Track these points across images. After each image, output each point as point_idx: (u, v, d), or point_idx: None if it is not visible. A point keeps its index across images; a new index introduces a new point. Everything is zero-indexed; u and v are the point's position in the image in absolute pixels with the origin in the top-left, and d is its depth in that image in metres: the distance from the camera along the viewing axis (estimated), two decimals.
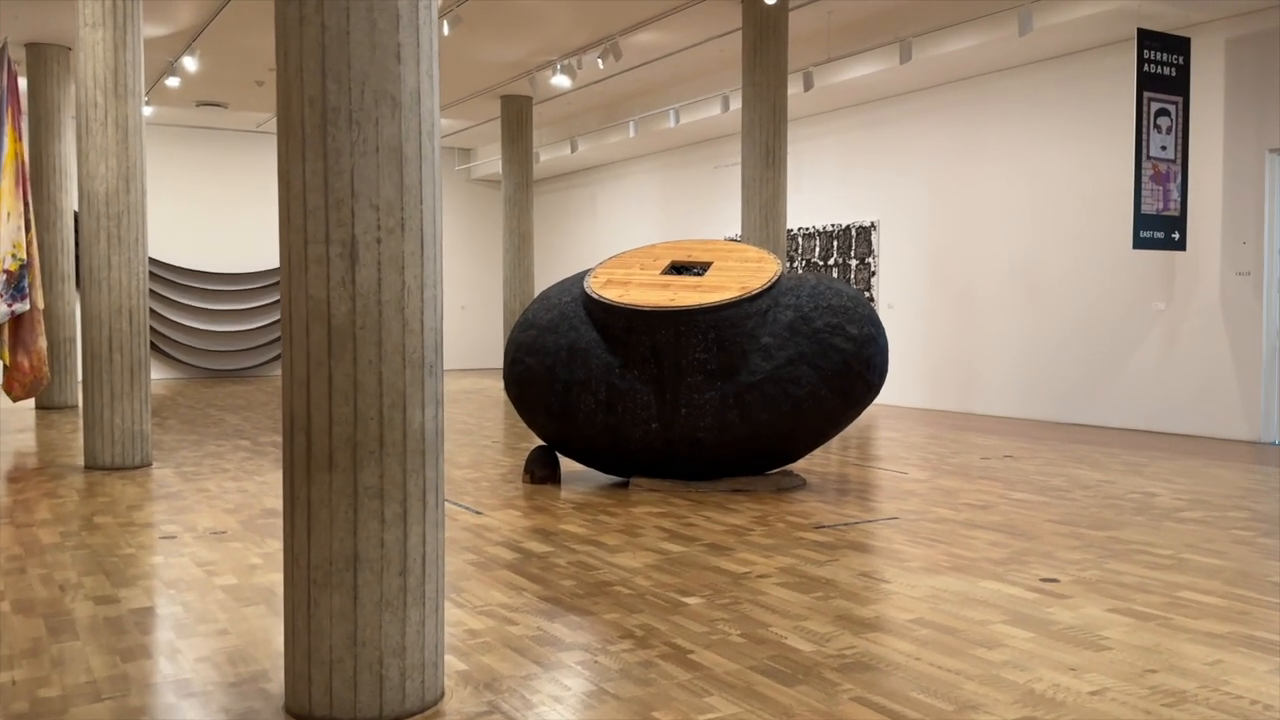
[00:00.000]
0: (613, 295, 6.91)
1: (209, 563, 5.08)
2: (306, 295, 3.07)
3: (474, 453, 9.02)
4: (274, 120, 17.80)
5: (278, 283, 18.96)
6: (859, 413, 7.02)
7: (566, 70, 13.07)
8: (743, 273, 7.06)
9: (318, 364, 3.07)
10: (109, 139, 7.92)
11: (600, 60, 12.37)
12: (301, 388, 3.10)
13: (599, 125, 16.45)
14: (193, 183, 18.52)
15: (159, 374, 18.25)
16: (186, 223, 18.46)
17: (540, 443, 8.10)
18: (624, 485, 7.31)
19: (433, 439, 3.21)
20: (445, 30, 11.27)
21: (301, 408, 3.11)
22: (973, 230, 12.19)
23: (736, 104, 13.31)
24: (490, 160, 19.79)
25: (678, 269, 7.41)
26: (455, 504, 6.65)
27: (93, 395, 7.98)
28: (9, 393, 9.76)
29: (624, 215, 18.30)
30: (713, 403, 6.73)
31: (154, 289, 18.15)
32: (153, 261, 18.09)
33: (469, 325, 21.05)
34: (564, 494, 7.05)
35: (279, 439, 9.99)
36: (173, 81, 13.65)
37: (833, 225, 13.87)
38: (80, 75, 7.91)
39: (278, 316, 19.05)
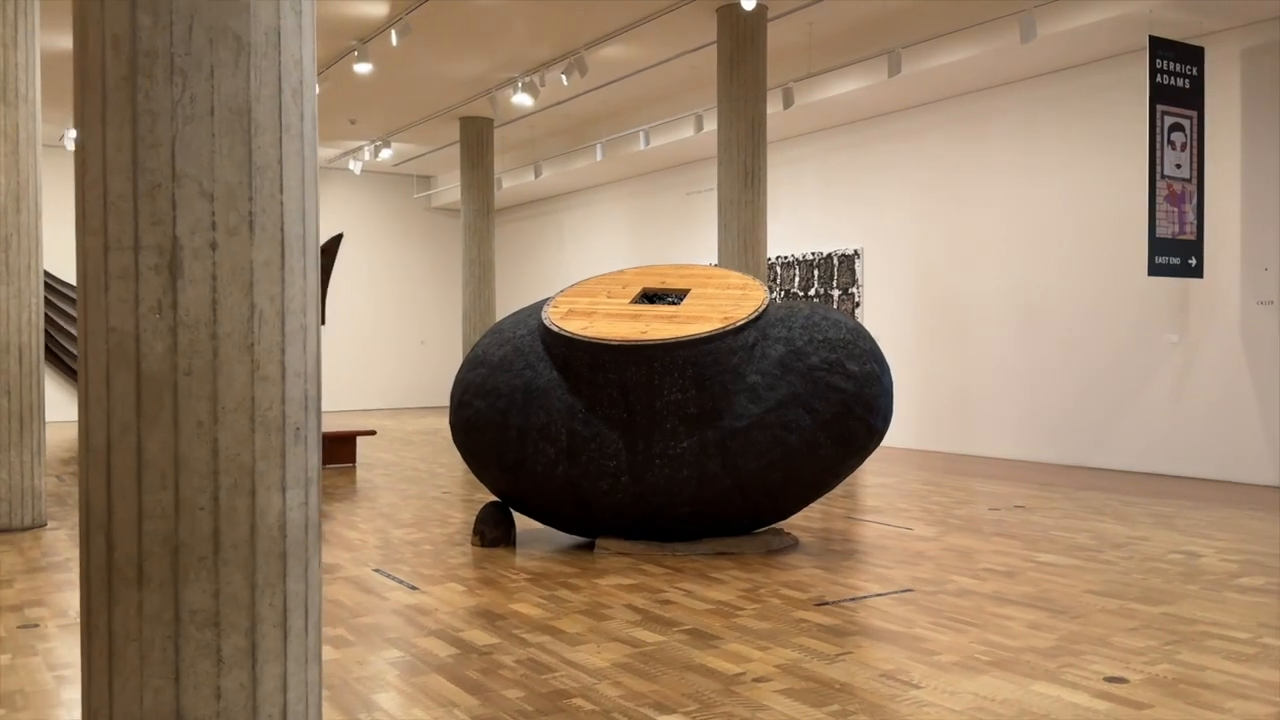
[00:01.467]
0: (575, 327, 5.95)
1: (64, 666, 4.03)
2: (106, 327, 2.08)
3: (420, 507, 7.98)
4: None
5: None
6: (860, 461, 6.07)
7: (528, 88, 12.19)
8: (724, 301, 6.13)
9: (123, 429, 2.08)
10: None
11: (564, 76, 11.50)
12: (100, 464, 2.11)
13: (564, 149, 15.57)
14: None
15: None
16: None
17: (493, 498, 7.12)
18: (589, 547, 6.31)
19: (299, 536, 2.22)
20: (394, 40, 10.35)
21: (100, 494, 2.11)
22: (966, 257, 11.36)
23: (711, 124, 12.47)
24: (450, 188, 18.85)
25: (650, 297, 6.47)
26: (388, 577, 5.62)
27: None
28: None
29: (593, 244, 17.39)
30: (691, 452, 5.77)
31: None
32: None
33: (428, 361, 19.99)
34: (519, 559, 6.03)
35: None
36: None
37: (813, 254, 13.01)
38: None
39: None
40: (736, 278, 6.46)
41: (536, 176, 15.86)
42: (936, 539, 6.57)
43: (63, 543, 6.56)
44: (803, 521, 7.17)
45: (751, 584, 5.33)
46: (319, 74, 12.13)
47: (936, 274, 11.70)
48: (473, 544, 6.46)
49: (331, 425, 11.39)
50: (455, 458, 11.34)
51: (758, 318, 5.92)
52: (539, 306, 6.54)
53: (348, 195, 19.25)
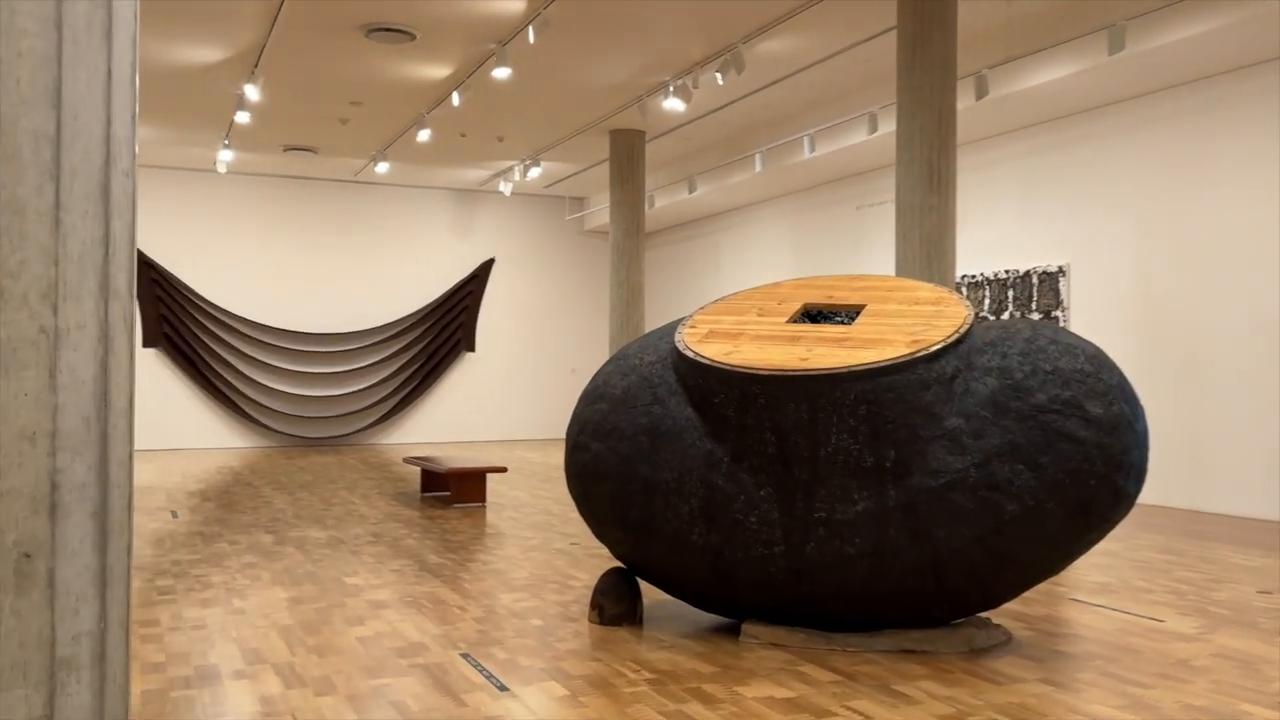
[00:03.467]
0: (716, 353, 4.64)
1: None
2: None
3: (540, 564, 6.80)
4: (372, 168, 16.47)
5: (378, 343, 17.41)
6: (1101, 536, 4.50)
7: (680, 91, 11.02)
8: (911, 320, 4.70)
9: None
10: None
11: (720, 75, 10.27)
12: None
13: (720, 161, 14.33)
14: (283, 236, 17.22)
15: (244, 441, 16.81)
16: (275, 278, 17.13)
17: (615, 562, 5.80)
18: (733, 632, 4.95)
19: None
20: (532, 38, 9.36)
21: None
22: (1201, 276, 9.44)
23: (887, 125, 10.98)
24: (603, 208, 17.90)
25: (813, 316, 5.10)
26: (476, 667, 4.42)
27: None
28: None
29: (749, 266, 16.05)
30: (867, 517, 4.36)
31: (238, 348, 16.81)
32: (238, 319, 16.78)
33: (578, 390, 19.04)
34: (643, 646, 4.73)
35: (312, 532, 8.01)
36: (242, 117, 12.21)
37: (1007, 272, 11.28)
38: None
39: (376, 379, 17.46)
40: (927, 290, 5.01)
41: (690, 192, 14.68)
42: (1200, 638, 4.90)
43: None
44: (1014, 605, 5.59)
45: (956, 708, 3.85)
46: (459, 84, 11.33)
47: (1162, 296, 9.79)
48: (590, 620, 5.21)
49: (464, 460, 10.42)
50: None
51: (958, 341, 4.46)
52: (673, 328, 5.27)
53: (498, 219, 18.60)
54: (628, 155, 13.79)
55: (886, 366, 4.28)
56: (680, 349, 4.77)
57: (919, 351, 4.33)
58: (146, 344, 16.37)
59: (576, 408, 5.27)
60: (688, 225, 18.03)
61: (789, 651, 4.61)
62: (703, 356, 4.62)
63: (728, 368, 4.48)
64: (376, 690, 4.07)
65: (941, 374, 4.35)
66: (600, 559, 6.93)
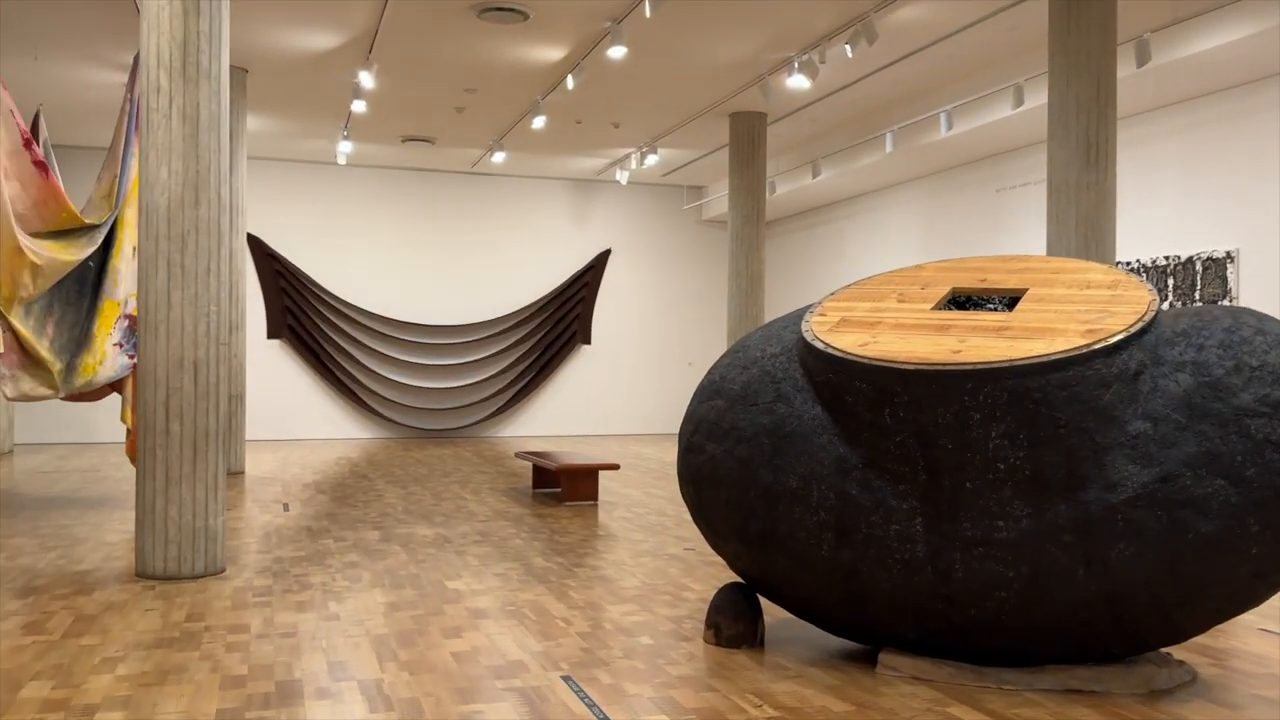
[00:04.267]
0: (850, 344, 4.07)
1: None
2: None
3: (652, 571, 6.32)
4: (489, 158, 16.33)
5: (494, 335, 17.27)
6: None
7: (805, 68, 10.37)
8: (1084, 306, 4.03)
9: None
10: (172, 135, 5.96)
11: (849, 47, 9.59)
12: None
13: (848, 142, 13.59)
14: (402, 228, 17.21)
15: (364, 433, 16.87)
16: (394, 271, 17.13)
17: (734, 577, 5.21)
18: (868, 661, 4.37)
19: None
20: (648, 11, 8.88)
21: None
22: None
23: (1034, 98, 10.11)
24: (722, 196, 17.32)
25: (963, 302, 4.47)
26: (578, 692, 3.96)
27: (144, 479, 5.96)
28: (131, 458, 8.13)
29: (877, 255, 15.25)
30: (1030, 536, 3.74)
31: (359, 339, 16.87)
32: (358, 310, 16.83)
33: (695, 385, 18.53)
34: (764, 674, 4.20)
35: (419, 529, 7.73)
36: (359, 106, 12.10)
37: (1167, 258, 10.27)
38: (143, 52, 6.03)
39: (492, 372, 17.32)
40: (1100, 271, 4.32)
41: (814, 177, 13.97)
42: None
43: (222, 601, 5.44)
44: (1198, 637, 4.84)
45: None
46: (574, 66, 10.94)
47: None
48: (705, 640, 4.70)
49: (576, 455, 10.03)
50: None
51: (1143, 330, 3.78)
52: (798, 316, 4.71)
53: (615, 209, 18.22)
54: (748, 139, 13.19)
55: (1058, 360, 3.64)
56: (808, 339, 4.22)
57: (1097, 343, 3.67)
58: (271, 335, 16.57)
59: (691, 405, 4.76)
60: (810, 213, 17.31)
61: (934, 688, 4.01)
62: (834, 348, 4.05)
63: (865, 361, 3.91)
64: (467, 719, 3.65)
65: (1124, 370, 3.68)
66: (717, 568, 6.41)
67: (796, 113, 13.01)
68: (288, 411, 16.54)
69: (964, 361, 3.75)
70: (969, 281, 4.53)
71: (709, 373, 4.78)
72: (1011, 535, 3.76)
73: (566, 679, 4.12)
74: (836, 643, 4.67)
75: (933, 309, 4.30)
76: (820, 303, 4.62)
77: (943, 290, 4.46)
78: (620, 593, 5.70)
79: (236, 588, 5.73)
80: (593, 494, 9.38)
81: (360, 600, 5.46)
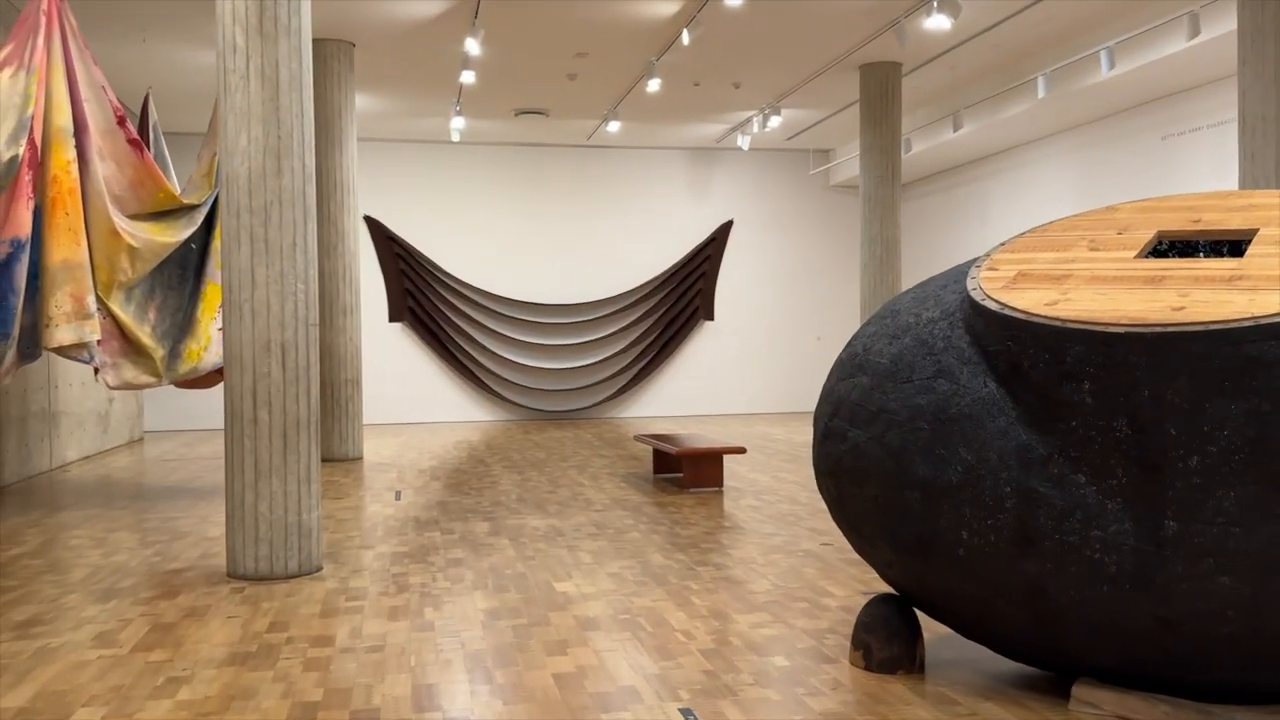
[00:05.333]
0: (1033, 303, 3.24)
1: None
2: None
3: (785, 571, 5.58)
4: (603, 129, 15.73)
5: (614, 313, 16.73)
6: None
7: (945, 6, 9.35)
8: None
9: None
10: (250, 98, 5.49)
11: None
12: None
13: (991, 91, 12.43)
14: (517, 205, 16.78)
15: (485, 415, 16.57)
16: (510, 249, 16.72)
17: (885, 588, 4.39)
18: (1056, 694, 3.55)
19: None
20: None
21: None
22: None
23: (1214, 26, 8.86)
24: (850, 158, 16.30)
25: (1164, 250, 3.57)
26: None
27: (232, 472, 5.54)
28: None
29: (1024, 216, 14.02)
30: (1276, 543, 2.86)
31: (479, 320, 16.55)
32: (477, 291, 16.50)
33: (825, 360, 17.57)
34: (927, 709, 3.44)
35: (531, 520, 7.18)
36: (468, 77, 11.63)
37: None
38: (219, 8, 5.57)
39: (612, 351, 16.78)
40: None
41: (955, 130, 12.86)
42: None
43: (310, 604, 4.96)
44: None
45: None
46: (689, 20, 10.18)
47: None
48: (852, 663, 3.96)
49: (698, 438, 9.35)
50: None
51: None
52: (960, 274, 3.88)
53: (736, 177, 17.38)
54: (880, 93, 12.18)
55: None
56: (977, 300, 3.41)
57: None
58: (392, 319, 16.40)
59: (828, 383, 4.00)
60: (948, 173, 16.12)
61: None
62: (1014, 308, 3.24)
63: (1056, 323, 3.08)
64: None
65: None
66: (861, 569, 5.63)
67: (934, 61, 11.93)
68: (410, 395, 16.36)
69: (1190, 321, 2.89)
70: (1178, 223, 3.63)
71: (850, 344, 4.01)
72: (1258, 545, 2.90)
73: (686, 713, 3.45)
74: (1013, 668, 3.86)
75: (1137, 256, 3.42)
76: (987, 255, 3.79)
77: (1145, 235, 3.58)
78: (749, 598, 4.99)
79: (329, 590, 5.26)
80: (717, 480, 8.68)
81: (459, 605, 4.91)
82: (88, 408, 12.00)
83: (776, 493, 8.40)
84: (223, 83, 5.54)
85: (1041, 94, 11.05)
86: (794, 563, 5.77)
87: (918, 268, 16.46)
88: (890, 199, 12.16)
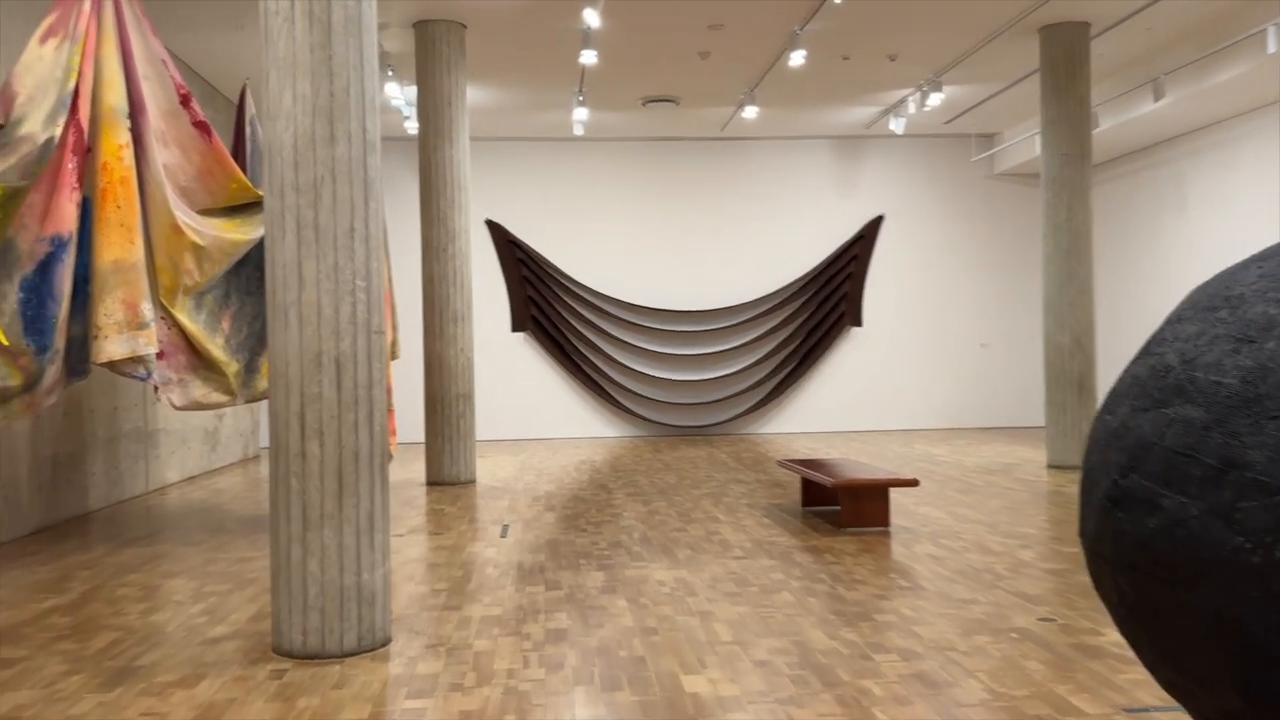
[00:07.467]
0: None
1: None
2: None
3: (1001, 662, 4.06)
4: (739, 116, 14.29)
5: (750, 320, 15.32)
6: None
7: None
8: None
9: None
10: (296, 45, 4.34)
11: None
12: None
13: (1203, 50, 10.49)
14: (645, 204, 15.52)
15: (612, 430, 15.35)
16: (638, 251, 15.48)
17: (1152, 698, 2.89)
18: None
19: None
20: None
21: None
22: None
23: None
24: (1021, 140, 14.45)
25: None
26: None
27: (278, 524, 4.39)
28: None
29: (1230, 203, 11.95)
30: None
31: (607, 330, 15.36)
32: (602, 297, 15.31)
33: (990, 368, 15.70)
34: None
35: (656, 570, 5.84)
36: (589, 57, 10.43)
37: None
38: None
39: (749, 361, 15.35)
40: None
41: (1156, 100, 10.94)
42: None
43: (362, 705, 3.73)
44: None
45: None
46: None
47: None
48: None
49: (857, 467, 7.87)
50: (1049, 523, 7.17)
51: None
52: None
53: (887, 167, 15.69)
54: (1065, 58, 10.42)
55: None
56: None
57: None
58: (515, 328, 15.39)
59: (1111, 414, 2.51)
60: (1139, 154, 14.09)
61: None
62: None
63: None
64: None
65: None
66: (1113, 665, 4.07)
67: (1128, 20, 10.11)
68: (534, 409, 15.30)
69: None
70: None
71: (1148, 352, 2.51)
72: None
73: None
74: None
75: None
76: None
77: None
78: (959, 714, 3.51)
79: (391, 677, 4.04)
80: (883, 518, 7.17)
81: (552, 709, 3.60)
82: (193, 424, 11.29)
83: (958, 535, 6.83)
84: (264, 27, 4.40)
85: (1272, 47, 9.10)
86: (1008, 650, 4.25)
87: (1108, 264, 14.46)
88: (1079, 181, 10.36)
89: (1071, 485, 9.17)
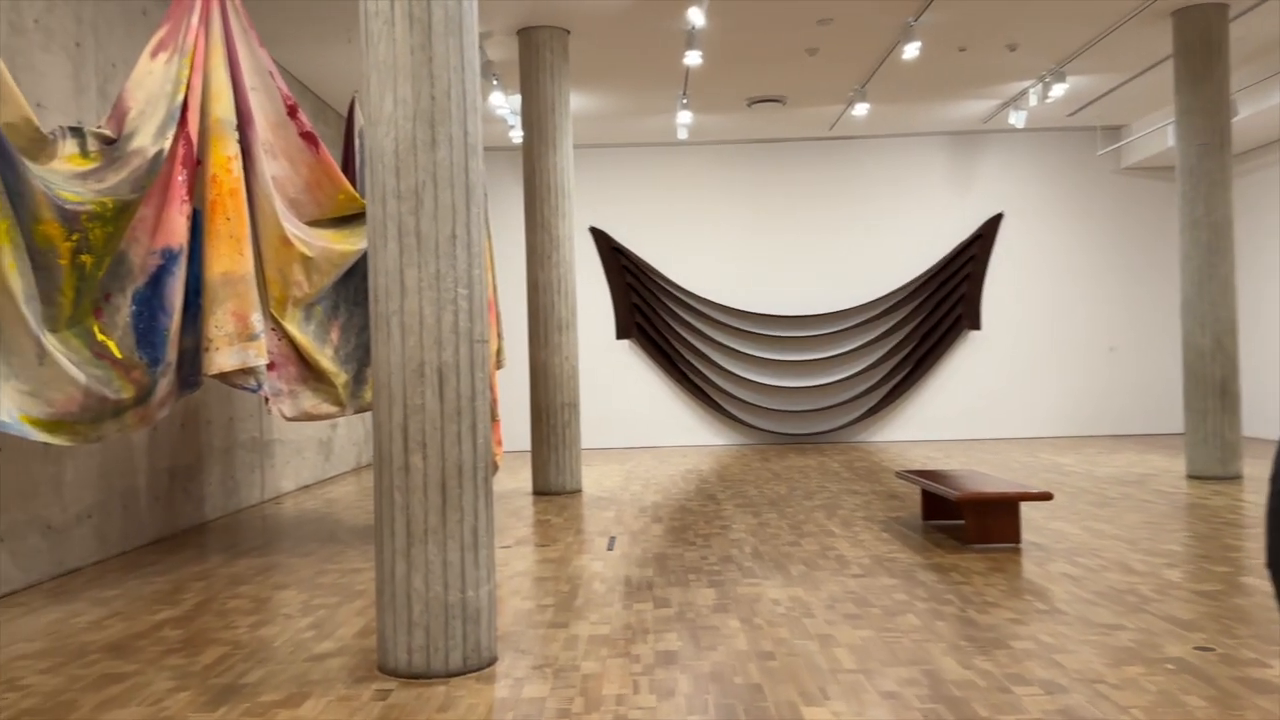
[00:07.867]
0: None
1: None
2: None
3: (1155, 692, 3.67)
4: (849, 114, 13.87)
5: (862, 323, 14.88)
6: None
7: None
8: None
9: None
10: (397, 48, 4.23)
11: None
12: None
13: None
14: (751, 207, 15.21)
15: (719, 439, 15.08)
16: (744, 256, 15.18)
17: None
18: None
19: None
20: None
21: None
22: None
23: None
24: (1151, 132, 13.68)
25: None
26: None
27: (382, 539, 4.28)
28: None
29: None
30: None
31: (711, 335, 15.10)
32: (708, 304, 15.06)
33: (1119, 373, 14.89)
34: None
35: (769, 588, 5.57)
36: (693, 58, 10.22)
37: None
38: None
39: (862, 366, 14.91)
40: None
41: None
42: None
43: None
44: None
45: None
46: None
47: None
48: None
49: (982, 478, 7.44)
50: (1195, 539, 6.64)
51: None
52: None
53: (1006, 163, 15.05)
54: (1201, 43, 9.76)
55: None
56: None
57: None
58: (620, 336, 15.26)
59: None
60: (1275, 145, 13.18)
61: None
62: None
63: None
64: None
65: None
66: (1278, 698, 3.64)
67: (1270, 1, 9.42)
68: (640, 417, 15.13)
69: None
70: None
71: None
72: None
73: None
74: None
75: None
76: None
77: None
78: None
79: (497, 700, 3.88)
80: (1013, 534, 6.74)
81: None
82: (307, 434, 11.45)
83: (1096, 553, 6.37)
84: (364, 30, 4.31)
85: None
86: (1164, 684, 3.85)
87: (1246, 262, 13.57)
88: (1219, 173, 9.69)
89: (1216, 498, 8.53)
